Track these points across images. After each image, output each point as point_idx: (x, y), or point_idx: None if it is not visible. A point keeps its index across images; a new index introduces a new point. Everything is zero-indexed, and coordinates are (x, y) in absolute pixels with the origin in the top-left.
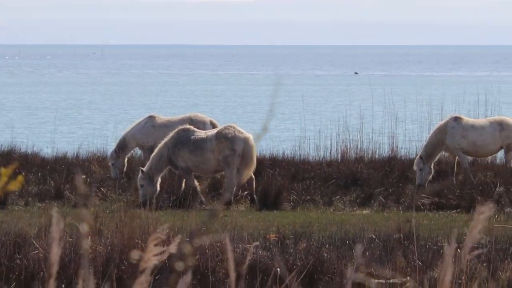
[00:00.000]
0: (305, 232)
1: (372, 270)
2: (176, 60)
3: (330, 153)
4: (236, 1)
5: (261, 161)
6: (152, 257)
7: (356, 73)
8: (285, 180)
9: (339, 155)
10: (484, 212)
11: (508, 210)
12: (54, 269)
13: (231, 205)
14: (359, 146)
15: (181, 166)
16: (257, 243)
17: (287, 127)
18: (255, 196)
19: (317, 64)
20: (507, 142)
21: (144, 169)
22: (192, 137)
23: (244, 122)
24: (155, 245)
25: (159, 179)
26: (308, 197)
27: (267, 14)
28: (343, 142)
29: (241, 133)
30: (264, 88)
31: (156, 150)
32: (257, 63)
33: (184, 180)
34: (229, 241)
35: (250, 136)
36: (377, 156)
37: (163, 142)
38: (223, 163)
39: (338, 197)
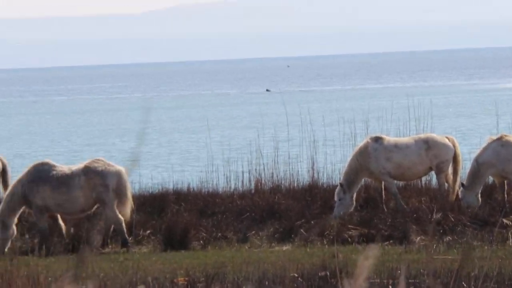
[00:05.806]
0: (218, 274)
1: None
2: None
3: (242, 183)
4: None
5: (164, 195)
6: None
7: (268, 90)
8: (193, 216)
9: (253, 185)
10: (370, 257)
11: (448, 239)
12: None
13: (130, 246)
14: (274, 175)
15: (36, 204)
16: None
17: (192, 157)
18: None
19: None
20: (436, 162)
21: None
22: (54, 172)
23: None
24: None
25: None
26: (220, 234)
27: None
28: (256, 170)
29: (112, 166)
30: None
31: (9, 188)
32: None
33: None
34: None
35: (123, 169)
36: (295, 184)
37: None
38: (98, 202)
39: (253, 232)
